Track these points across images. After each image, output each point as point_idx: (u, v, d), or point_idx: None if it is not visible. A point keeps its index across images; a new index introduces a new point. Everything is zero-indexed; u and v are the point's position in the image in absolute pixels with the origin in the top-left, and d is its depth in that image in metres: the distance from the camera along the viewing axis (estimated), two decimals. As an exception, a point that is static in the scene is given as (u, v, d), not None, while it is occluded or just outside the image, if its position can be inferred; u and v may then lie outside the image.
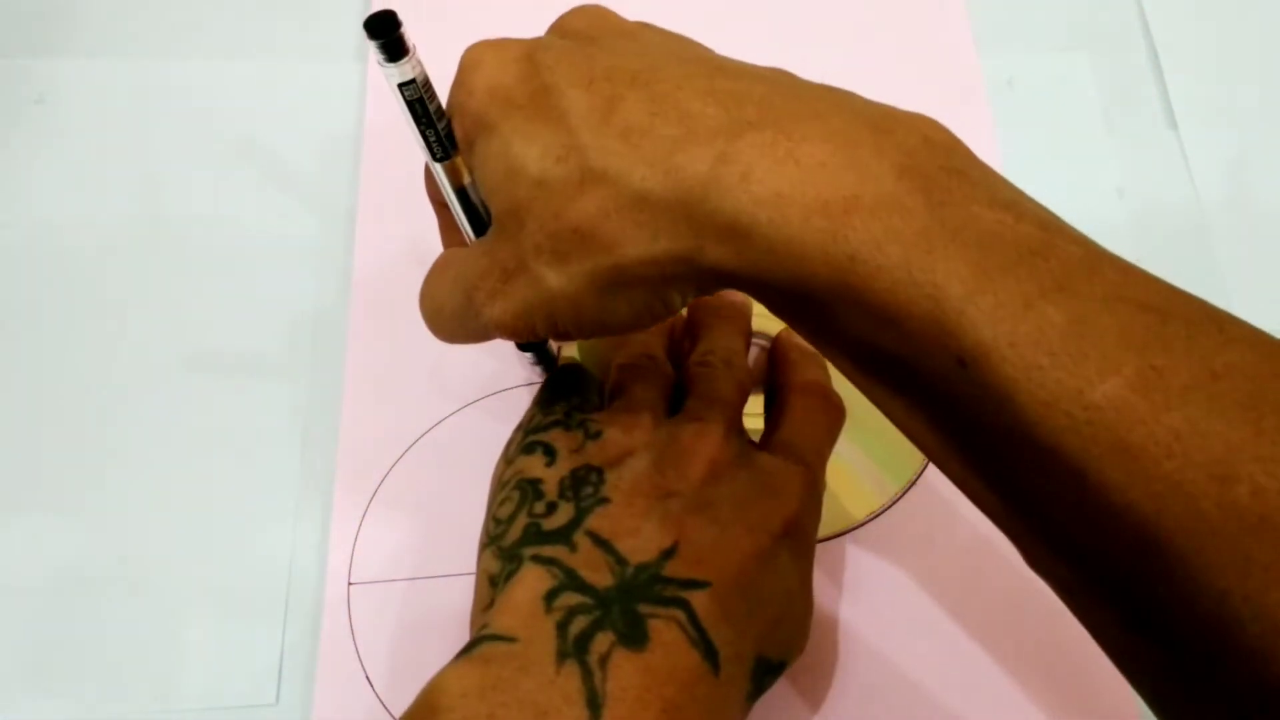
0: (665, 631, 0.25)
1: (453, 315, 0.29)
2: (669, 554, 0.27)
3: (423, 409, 0.39)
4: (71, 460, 0.39)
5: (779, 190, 0.23)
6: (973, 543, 0.37)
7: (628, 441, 0.30)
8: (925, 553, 0.37)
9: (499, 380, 0.40)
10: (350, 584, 0.37)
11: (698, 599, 0.26)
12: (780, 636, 0.28)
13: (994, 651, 0.35)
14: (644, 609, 0.26)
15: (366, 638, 0.35)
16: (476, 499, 0.32)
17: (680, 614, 0.26)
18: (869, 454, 0.39)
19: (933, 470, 0.38)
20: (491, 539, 0.29)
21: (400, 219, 0.43)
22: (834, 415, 0.34)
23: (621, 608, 0.26)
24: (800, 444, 0.32)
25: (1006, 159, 0.45)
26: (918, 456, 0.38)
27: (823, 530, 0.32)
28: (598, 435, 0.30)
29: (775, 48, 0.49)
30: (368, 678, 0.35)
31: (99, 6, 0.49)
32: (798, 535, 0.29)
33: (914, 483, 0.38)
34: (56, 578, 0.37)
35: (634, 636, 0.25)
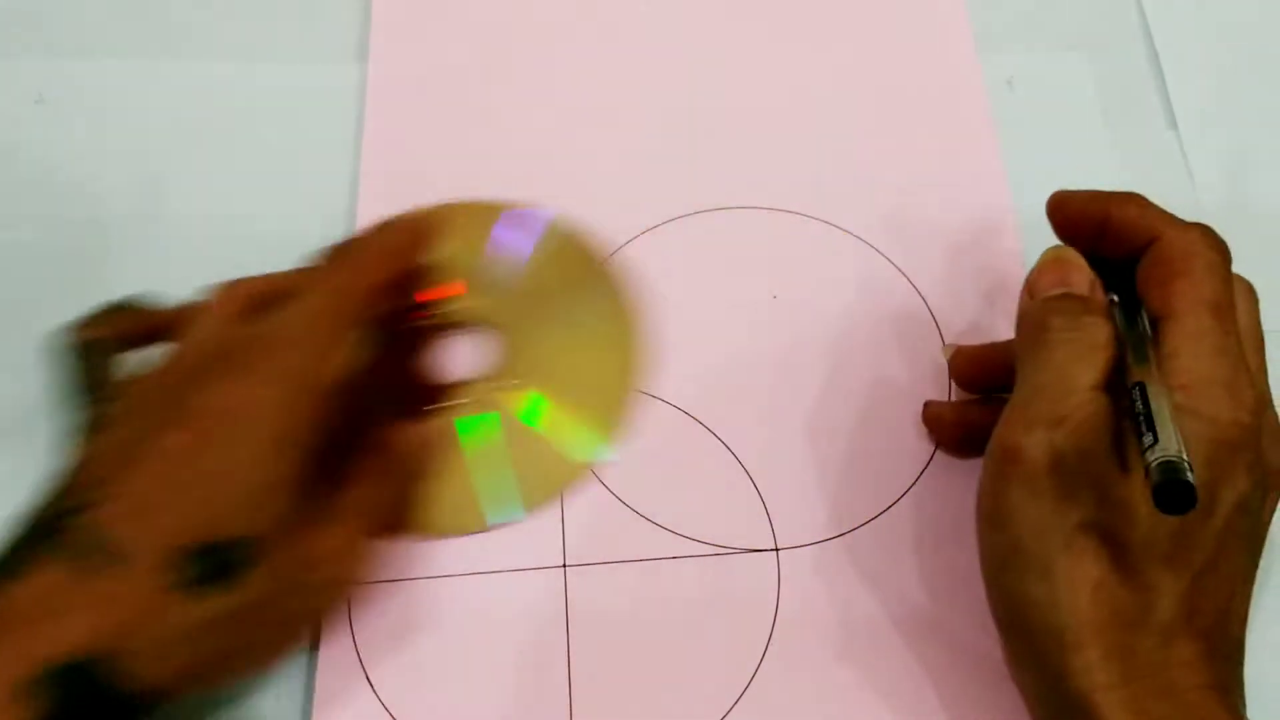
0: (37, 559, 0.29)
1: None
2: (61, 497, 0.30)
3: (423, 409, 0.39)
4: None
5: None
6: (972, 542, 0.37)
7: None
8: (925, 553, 0.37)
9: (499, 380, 0.40)
10: (350, 584, 0.37)
11: (77, 520, 0.29)
12: (208, 515, 0.29)
13: (994, 652, 0.35)
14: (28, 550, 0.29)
15: (366, 638, 0.35)
16: (477, 499, 0.32)
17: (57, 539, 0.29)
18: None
19: (931, 473, 0.38)
20: None
21: (400, 219, 0.43)
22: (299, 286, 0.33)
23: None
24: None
25: (1007, 159, 0.44)
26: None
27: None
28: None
29: (775, 48, 0.49)
30: (368, 678, 0.35)
31: (99, 6, 0.49)
32: (215, 415, 0.30)
33: (912, 486, 0.38)
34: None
35: (14, 576, 0.28)
